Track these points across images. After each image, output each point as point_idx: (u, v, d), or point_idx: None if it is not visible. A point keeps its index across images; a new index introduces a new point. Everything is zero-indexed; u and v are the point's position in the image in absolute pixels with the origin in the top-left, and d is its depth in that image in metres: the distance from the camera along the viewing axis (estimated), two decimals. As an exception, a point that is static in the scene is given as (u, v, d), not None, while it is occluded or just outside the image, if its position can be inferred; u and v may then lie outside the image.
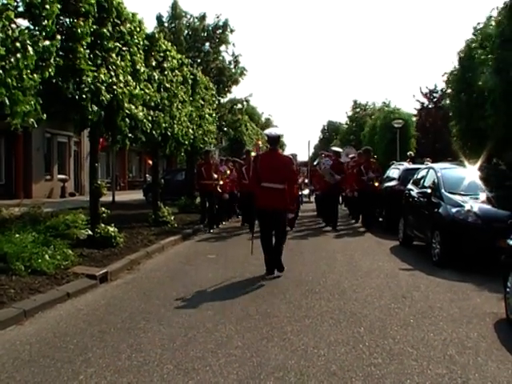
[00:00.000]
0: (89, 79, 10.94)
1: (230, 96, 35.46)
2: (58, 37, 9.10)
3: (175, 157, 34.19)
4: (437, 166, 13.23)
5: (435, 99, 49.65)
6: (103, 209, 12.98)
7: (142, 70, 13.97)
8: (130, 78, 13.01)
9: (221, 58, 34.02)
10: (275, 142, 10.53)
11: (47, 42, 8.69)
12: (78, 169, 35.52)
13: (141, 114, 13.66)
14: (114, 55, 12.22)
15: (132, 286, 9.29)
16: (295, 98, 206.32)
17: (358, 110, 70.89)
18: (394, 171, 18.90)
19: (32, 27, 8.62)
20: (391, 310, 7.32)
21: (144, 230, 15.67)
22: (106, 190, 12.98)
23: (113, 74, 12.01)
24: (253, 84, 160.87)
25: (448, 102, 23.00)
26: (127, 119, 12.86)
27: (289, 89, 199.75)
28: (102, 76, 11.43)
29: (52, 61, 8.99)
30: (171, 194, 25.13)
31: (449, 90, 22.03)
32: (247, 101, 36.13)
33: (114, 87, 12.07)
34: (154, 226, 16.77)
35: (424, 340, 6.04)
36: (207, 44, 34.06)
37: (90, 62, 10.99)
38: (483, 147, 16.36)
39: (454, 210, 10.70)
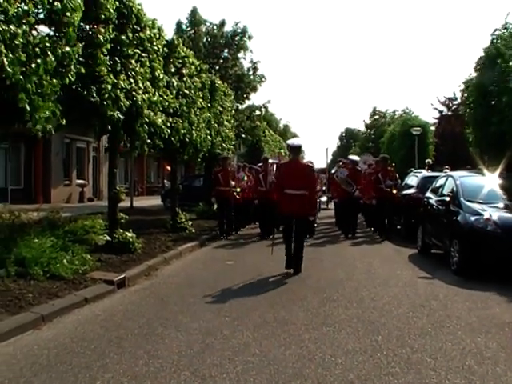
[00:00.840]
0: (108, 86, 11.02)
1: (248, 102, 35.56)
2: (79, 44, 9.15)
3: (194, 163, 34.35)
4: (456, 173, 13.15)
5: (454, 107, 49.49)
6: (121, 214, 13.03)
7: (161, 76, 14.03)
8: (149, 84, 13.08)
9: (239, 64, 34.10)
10: (297, 151, 11.50)
11: (67, 48, 8.76)
12: (97, 174, 35.74)
13: (159, 120, 13.73)
14: (133, 62, 12.28)
15: (150, 292, 9.32)
16: (313, 104, 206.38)
17: (376, 117, 70.67)
18: (412, 179, 18.81)
19: (52, 34, 8.74)
20: (409, 319, 7.26)
21: (162, 236, 15.70)
22: (124, 195, 13.00)
23: (132, 80, 12.08)
24: (271, 90, 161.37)
25: (466, 110, 22.79)
26: (146, 125, 12.93)
27: (307, 95, 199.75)
28: (121, 82, 11.50)
29: (72, 67, 9.08)
30: (189, 200, 25.09)
31: (468, 98, 21.86)
32: (265, 107, 36.22)
33: (134, 93, 12.14)
34: (171, 231, 16.80)
35: (442, 350, 5.99)
36: (226, 51, 34.17)
37: (109, 69, 11.09)
38: (502, 155, 16.24)
39: (472, 218, 10.61)
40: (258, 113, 35.65)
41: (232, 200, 17.22)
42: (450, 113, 49.56)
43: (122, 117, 11.60)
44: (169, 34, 18.35)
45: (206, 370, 5.36)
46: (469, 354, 5.86)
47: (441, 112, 50.26)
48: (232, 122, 25.61)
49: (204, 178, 27.50)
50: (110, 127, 11.73)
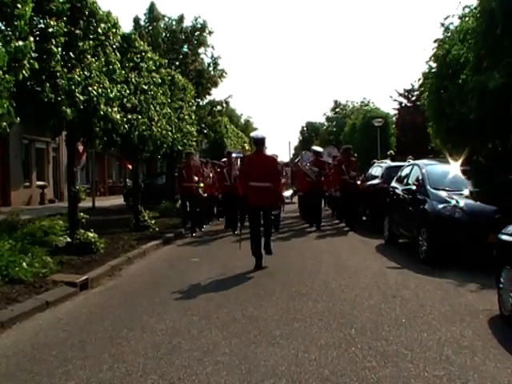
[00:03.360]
0: (63, 81, 10.63)
1: (209, 98, 35.17)
2: (31, 38, 8.75)
3: (155, 161, 33.92)
4: (421, 162, 13.04)
5: (413, 98, 49.80)
6: (82, 214, 12.64)
7: (118, 71, 13.64)
8: (105, 79, 12.70)
9: (199, 60, 33.66)
10: (261, 143, 11.28)
11: (20, 43, 8.37)
12: (57, 175, 34.96)
13: (117, 116, 13.32)
14: (88, 56, 11.90)
15: (114, 293, 9.00)
16: (274, 99, 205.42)
17: (337, 109, 70.92)
18: (376, 169, 18.73)
19: (3, 27, 8.34)
20: (382, 311, 7.08)
21: (125, 235, 15.36)
22: (84, 195, 12.63)
23: (87, 75, 11.69)
24: (232, 85, 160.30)
25: (425, 102, 22.76)
26: (103, 122, 12.54)
27: (267, 90, 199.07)
28: (76, 77, 11.10)
29: (26, 62, 8.69)
30: (152, 198, 24.74)
31: (426, 92, 21.83)
32: (227, 102, 35.83)
33: (89, 89, 11.74)
34: (135, 230, 16.46)
35: (418, 340, 5.81)
36: (185, 46, 33.71)
37: (63, 63, 10.69)
38: (464, 143, 16.21)
39: (440, 206, 10.50)
40: (219, 108, 35.32)
41: (196, 196, 16.92)
42: (409, 104, 49.84)
43: (77, 114, 11.24)
44: (127, 30, 17.99)
45: (174, 373, 5.09)
46: (445, 343, 5.69)
47: (400, 103, 50.53)
48: (193, 117, 25.26)
49: (166, 175, 27.14)
50: (65, 125, 11.38)
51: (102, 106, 12.36)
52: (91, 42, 12.03)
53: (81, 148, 27.30)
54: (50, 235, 11.18)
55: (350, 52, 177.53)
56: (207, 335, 6.24)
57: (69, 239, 11.54)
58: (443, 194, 10.84)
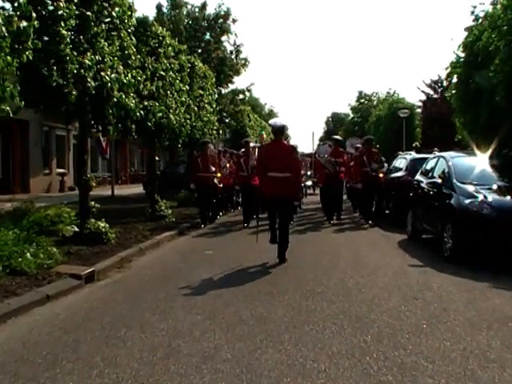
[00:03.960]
0: (73, 66, 10.19)
1: (231, 87, 34.59)
2: (34, 14, 8.27)
3: (177, 150, 33.47)
4: (447, 154, 12.37)
5: (440, 89, 48.87)
6: (93, 203, 12.23)
7: (133, 56, 13.17)
8: (119, 64, 12.24)
9: (222, 48, 33.07)
10: (280, 132, 10.76)
11: (24, 23, 7.93)
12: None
13: (132, 102, 12.86)
14: (101, 40, 11.44)
15: (120, 286, 8.57)
16: (299, 88, 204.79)
17: (362, 100, 69.95)
18: (400, 161, 18.06)
19: (6, 7, 7.92)
20: (401, 314, 6.52)
21: (140, 225, 14.98)
22: (96, 183, 12.23)
23: (100, 59, 11.24)
24: (255, 74, 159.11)
25: (452, 93, 22.04)
26: (116, 108, 12.08)
27: (292, 79, 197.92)
28: (87, 61, 10.64)
29: (30, 43, 8.25)
30: (172, 187, 24.48)
31: (454, 79, 21.11)
32: (249, 90, 35.19)
33: (102, 74, 11.28)
34: (150, 220, 16.11)
35: (440, 351, 5.24)
36: (208, 34, 33.14)
37: (73, 47, 10.25)
38: (492, 136, 15.53)
39: (466, 201, 9.87)
40: (241, 97, 34.73)
41: (212, 186, 16.44)
42: (436, 95, 48.89)
43: (88, 100, 10.82)
44: (150, 17, 17.54)
45: (168, 382, 4.61)
46: (471, 355, 5.11)
47: (427, 94, 49.59)
48: (214, 105, 24.74)
49: (186, 164, 26.77)
50: (75, 110, 10.97)
51: (116, 92, 11.90)
52: (104, 25, 11.58)
53: (104, 137, 27.22)
54: (57, 224, 10.76)
55: (376, 41, 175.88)
56: (210, 338, 5.75)
57: (76, 229, 11.16)
58: (470, 188, 10.19)
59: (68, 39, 10.16)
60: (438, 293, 7.59)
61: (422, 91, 49.87)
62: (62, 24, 10.01)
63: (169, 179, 26.92)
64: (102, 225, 11.80)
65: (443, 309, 6.74)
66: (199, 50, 31.67)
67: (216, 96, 27.27)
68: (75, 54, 10.38)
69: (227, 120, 33.87)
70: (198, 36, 32.56)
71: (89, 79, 10.76)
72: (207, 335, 5.83)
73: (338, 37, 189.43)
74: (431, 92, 49.64)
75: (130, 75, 12.77)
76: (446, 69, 20.35)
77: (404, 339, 5.58)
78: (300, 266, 9.82)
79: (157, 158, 45.87)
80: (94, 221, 11.83)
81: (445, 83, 45.09)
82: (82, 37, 10.75)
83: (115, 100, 11.88)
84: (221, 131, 34.24)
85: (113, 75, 11.70)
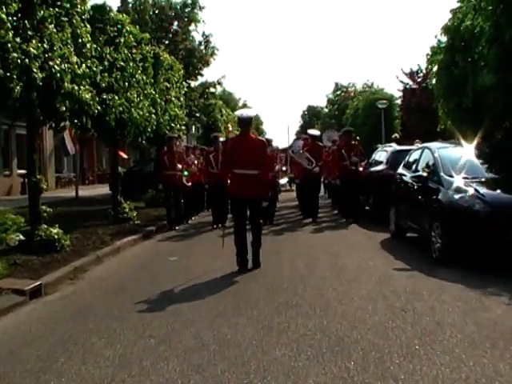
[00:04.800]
0: (15, 54, 9.24)
1: (201, 79, 33.57)
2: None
3: (147, 147, 32.51)
4: (432, 145, 11.58)
5: (419, 79, 48.40)
6: (44, 207, 11.32)
7: (88, 45, 12.23)
8: (71, 53, 11.29)
9: (191, 38, 32.08)
10: (247, 124, 9.87)
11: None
12: (42, 163, 33.58)
13: (87, 95, 11.92)
14: (50, 26, 10.50)
15: (69, 302, 7.72)
16: (273, 81, 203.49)
17: (339, 92, 69.43)
18: (381, 154, 17.30)
19: None
20: (389, 331, 5.68)
21: (100, 229, 14.09)
22: (46, 185, 11.31)
23: (47, 47, 10.30)
24: (227, 68, 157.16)
25: (433, 81, 21.40)
26: (69, 102, 11.15)
27: (266, 72, 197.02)
28: (32, 49, 9.70)
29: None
30: (140, 186, 23.53)
31: (435, 66, 20.44)
32: (220, 83, 34.19)
33: (51, 63, 10.35)
34: (114, 223, 15.22)
35: (438, 380, 4.43)
36: (175, 23, 32.10)
37: (16, 34, 9.30)
38: (478, 125, 14.84)
39: (456, 196, 9.08)
40: (212, 90, 33.78)
41: (180, 185, 15.56)
42: (415, 85, 48.35)
43: (35, 93, 9.89)
44: (113, 7, 16.56)
45: None
46: (476, 386, 4.32)
47: (406, 85, 49.01)
48: (182, 99, 23.81)
49: (155, 162, 25.82)
50: (23, 105, 10.03)
51: (68, 84, 10.95)
52: (52, 9, 10.63)
53: (68, 133, 26.15)
54: (0, 232, 9.82)
55: (352, 31, 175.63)
56: (161, 369, 4.90)
57: (22, 237, 10.19)
58: (460, 181, 9.42)
59: (9, 24, 9.21)
60: (430, 302, 6.78)
61: (401, 81, 49.30)
62: (3, 8, 9.07)
63: (136, 178, 26.04)
64: (55, 231, 10.90)
65: (437, 323, 5.92)
66: (166, 42, 30.69)
67: (185, 89, 26.35)
68: (18, 40, 9.44)
69: (197, 115, 32.90)
70: (165, 26, 31.47)
71: (34, 69, 9.82)
72: (159, 366, 4.98)
73: (313, 26, 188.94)
74: (410, 82, 49.07)
75: (84, 65, 11.85)
76: (427, 55, 19.68)
77: (394, 365, 4.75)
78: (273, 272, 8.99)
79: (126, 156, 45.04)
80: (45, 227, 10.92)
81: (424, 71, 44.67)
82: (26, 22, 9.80)
83: (67, 92, 10.96)
84: (192, 127, 33.34)
85: (63, 65, 10.77)
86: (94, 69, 12.65)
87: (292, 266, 9.58)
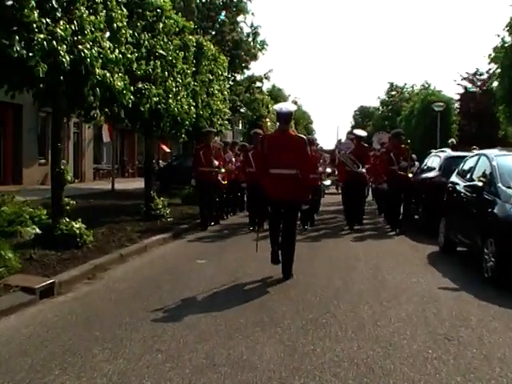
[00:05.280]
0: (41, 35, 8.93)
1: (247, 73, 33.06)
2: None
3: (190, 141, 32.11)
4: (490, 152, 10.86)
5: (479, 82, 47.21)
6: (67, 199, 11.01)
7: (124, 30, 11.90)
8: (103, 38, 10.96)
9: (238, 29, 31.62)
10: (286, 119, 9.35)
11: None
12: (79, 153, 33.71)
13: (119, 83, 11.58)
14: (81, 8, 10.18)
15: (80, 305, 7.33)
16: (325, 79, 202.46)
17: (393, 93, 68.33)
18: (433, 159, 16.57)
19: None
20: (428, 364, 5.09)
21: (130, 225, 13.83)
22: (71, 176, 11.02)
23: (77, 30, 9.97)
24: (276, 63, 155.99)
25: (496, 82, 20.56)
26: (99, 89, 10.81)
27: (318, 69, 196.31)
28: (59, 31, 9.37)
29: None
30: (179, 182, 23.33)
31: (497, 70, 19.63)
32: (267, 77, 33.62)
33: (80, 47, 10.02)
34: (145, 220, 14.95)
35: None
36: (223, 13, 31.70)
37: (42, 13, 8.99)
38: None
39: (515, 210, 8.42)
40: (258, 84, 33.27)
41: (215, 183, 15.14)
42: (475, 89, 47.16)
43: (62, 77, 9.58)
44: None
45: None
46: None
47: (465, 88, 47.81)
48: (226, 92, 23.44)
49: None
50: (47, 90, 9.75)
51: (98, 70, 10.63)
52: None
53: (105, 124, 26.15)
54: (15, 225, 9.54)
55: (410, 30, 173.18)
56: (164, 393, 4.45)
57: (38, 230, 9.89)
58: (520, 194, 8.74)
59: (33, 2, 8.90)
60: (478, 331, 6.16)
61: (459, 84, 48.14)
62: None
63: (176, 173, 25.85)
64: (77, 225, 10.59)
65: (485, 356, 5.30)
66: (213, 32, 30.34)
67: (230, 83, 26.00)
68: (45, 21, 9.12)
69: (242, 110, 32.47)
70: (212, 16, 31.10)
71: (62, 52, 9.49)
72: (161, 389, 4.53)
73: (369, 23, 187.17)
74: (469, 85, 47.89)
75: (117, 51, 11.53)
76: (489, 55, 18.83)
77: (431, 408, 4.20)
78: (305, 284, 8.45)
79: (168, 150, 44.95)
80: (67, 220, 10.62)
81: (485, 74, 43.54)
82: (54, 2, 9.48)
83: (97, 79, 10.63)
84: (238, 122, 32.91)
85: (94, 50, 10.44)
86: (129, 55, 12.35)
87: (327, 277, 9.03)
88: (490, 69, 43.72)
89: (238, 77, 31.83)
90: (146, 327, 6.24)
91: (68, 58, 9.60)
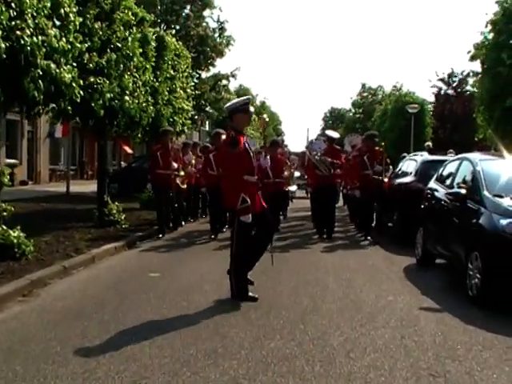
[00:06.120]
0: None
1: (213, 71, 32.21)
2: None
3: (132, 140, 31.09)
4: (473, 156, 10.15)
5: (454, 84, 47.05)
6: (3, 205, 10.10)
7: (72, 16, 11.01)
8: (48, 25, 10.06)
9: (204, 24, 30.74)
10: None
11: None
12: (34, 152, 32.56)
13: (67, 76, 10.67)
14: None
15: (5, 330, 6.47)
16: (294, 79, 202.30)
17: (365, 94, 68.14)
18: (409, 164, 15.91)
19: None
20: (412, 410, 4.36)
21: (79, 233, 13.06)
22: (7, 179, 10.10)
23: (15, 15, 9.07)
24: (244, 61, 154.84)
25: (471, 83, 20.12)
26: (42, 82, 9.91)
27: (286, 69, 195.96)
28: (-8, 14, 8.48)
29: None
30: (139, 185, 22.41)
31: (478, 67, 19.13)
32: (234, 75, 32.73)
33: (18, 33, 9.12)
34: (97, 227, 14.12)
35: None
36: (188, 7, 30.80)
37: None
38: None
39: (503, 221, 7.63)
40: (224, 83, 32.44)
41: (173, 187, 14.29)
42: (450, 91, 46.91)
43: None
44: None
45: None
46: None
47: (440, 89, 47.52)
48: (189, 90, 22.60)
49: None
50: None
51: (41, 61, 9.73)
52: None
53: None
54: None
55: (382, 29, 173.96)
56: None
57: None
58: (508, 202, 8.05)
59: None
60: (466, 364, 5.38)
61: (433, 85, 47.82)
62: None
63: (135, 176, 24.94)
64: (14, 234, 9.73)
65: (478, 400, 4.58)
66: (177, 27, 29.44)
67: (194, 80, 25.21)
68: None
69: (207, 109, 31.63)
70: (176, 10, 30.18)
71: (-5, 38, 8.61)
72: None
73: (340, 22, 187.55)
74: (444, 87, 47.62)
75: (64, 40, 10.63)
76: (469, 52, 18.25)
77: None
78: (269, 304, 7.61)
79: (130, 151, 43.94)
80: (3, 228, 9.73)
81: (460, 76, 43.38)
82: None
83: (40, 70, 9.72)
84: (205, 122, 32.10)
85: (36, 38, 9.54)
86: (78, 45, 11.42)
87: (293, 295, 8.22)
88: (463, 70, 43.75)
89: (204, 74, 31.01)
90: (77, 360, 5.39)
91: (3, 46, 8.73)
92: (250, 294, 7.84)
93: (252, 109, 8.42)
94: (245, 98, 8.67)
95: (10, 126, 30.31)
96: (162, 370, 5.13)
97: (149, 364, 5.26)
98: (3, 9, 8.72)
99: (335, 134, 16.42)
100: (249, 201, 7.72)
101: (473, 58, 18.82)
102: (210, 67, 31.13)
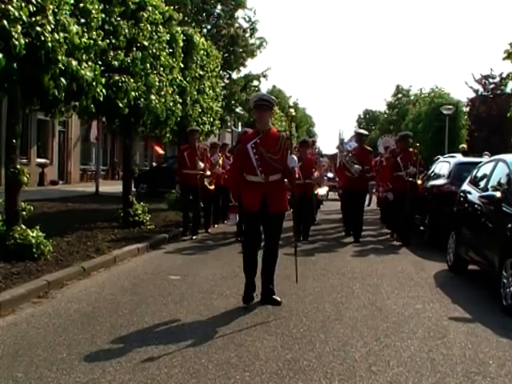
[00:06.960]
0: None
1: (244, 71, 31.87)
2: None
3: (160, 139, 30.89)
4: (509, 157, 9.68)
5: (492, 85, 46.10)
6: (24, 204, 9.95)
7: (95, 12, 10.81)
8: (72, 21, 9.86)
9: (236, 24, 30.41)
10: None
11: None
12: (64, 152, 32.61)
13: (89, 73, 10.45)
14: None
15: (14, 333, 6.23)
16: (328, 81, 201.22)
17: (400, 95, 67.35)
18: (442, 166, 15.44)
19: None
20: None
21: (103, 234, 12.91)
22: (26, 178, 9.91)
23: (35, 10, 8.86)
24: (278, 63, 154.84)
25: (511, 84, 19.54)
26: (64, 79, 9.70)
27: (321, 70, 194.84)
28: (12, 9, 8.27)
29: None
30: (168, 185, 22.37)
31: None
32: (265, 76, 32.25)
33: (38, 29, 8.92)
34: (122, 227, 13.93)
35: None
36: (219, 7, 30.52)
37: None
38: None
39: (540, 227, 7.28)
40: (255, 83, 32.07)
41: (200, 188, 14.02)
42: (487, 93, 45.98)
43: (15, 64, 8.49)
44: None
45: None
46: None
47: (476, 91, 46.60)
48: (218, 90, 22.33)
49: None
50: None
51: (62, 57, 9.52)
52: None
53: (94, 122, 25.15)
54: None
55: (418, 31, 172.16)
56: None
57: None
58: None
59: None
60: (499, 381, 5.00)
61: (470, 87, 46.92)
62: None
63: (165, 176, 24.84)
64: (33, 234, 9.56)
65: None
66: (208, 26, 29.20)
67: (224, 80, 24.95)
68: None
69: (238, 110, 31.33)
70: (207, 9, 29.93)
71: (14, 34, 8.39)
72: None
73: (376, 24, 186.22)
74: (481, 89, 46.68)
75: (86, 36, 10.44)
76: (505, 52, 17.67)
77: None
78: (289, 311, 7.28)
79: (162, 152, 43.94)
80: (23, 228, 9.54)
81: (497, 78, 42.50)
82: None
83: (60, 67, 9.52)
84: (229, 123, 31.77)
85: (57, 34, 9.33)
86: (100, 42, 11.22)
87: (316, 301, 7.86)
88: (502, 72, 42.82)
89: (234, 75, 30.72)
90: (82, 367, 5.13)
91: (23, 42, 8.53)
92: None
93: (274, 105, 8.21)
94: (259, 93, 8.45)
95: (41, 126, 30.39)
96: (169, 381, 4.83)
97: (156, 374, 4.97)
98: (23, 4, 8.53)
99: (364, 132, 16.01)
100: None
101: (508, 57, 18.21)
102: (241, 67, 30.86)
